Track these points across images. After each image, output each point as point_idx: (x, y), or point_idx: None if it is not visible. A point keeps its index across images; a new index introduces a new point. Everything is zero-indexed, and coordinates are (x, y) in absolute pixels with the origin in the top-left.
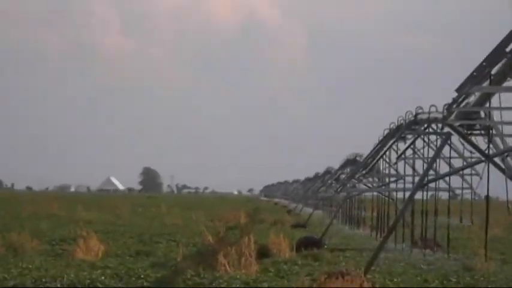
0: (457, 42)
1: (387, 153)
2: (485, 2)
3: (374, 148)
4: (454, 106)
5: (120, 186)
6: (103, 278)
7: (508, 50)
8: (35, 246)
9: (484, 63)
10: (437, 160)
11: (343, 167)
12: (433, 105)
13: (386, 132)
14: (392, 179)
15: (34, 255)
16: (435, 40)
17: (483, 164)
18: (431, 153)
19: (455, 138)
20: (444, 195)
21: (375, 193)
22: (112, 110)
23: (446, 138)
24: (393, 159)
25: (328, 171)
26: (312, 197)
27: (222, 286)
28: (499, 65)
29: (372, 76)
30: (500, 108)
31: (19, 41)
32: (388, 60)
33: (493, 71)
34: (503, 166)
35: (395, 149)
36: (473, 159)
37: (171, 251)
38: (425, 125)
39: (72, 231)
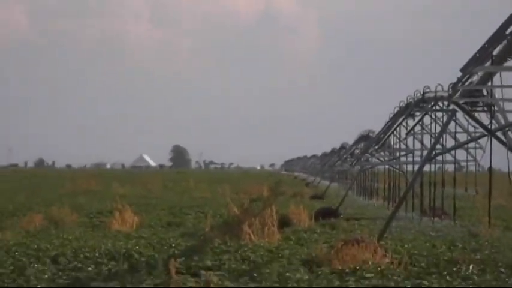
0: (462, 25)
1: (397, 129)
2: None
3: (385, 125)
4: (459, 85)
5: (152, 163)
6: (137, 247)
7: (508, 32)
8: (74, 219)
9: (486, 45)
10: (444, 135)
11: (357, 142)
12: (439, 85)
13: (396, 110)
14: (402, 153)
15: (74, 227)
16: (442, 24)
17: (486, 138)
18: (438, 128)
19: (460, 115)
20: (450, 168)
21: (387, 166)
22: (145, 94)
23: (452, 115)
24: (403, 135)
25: (343, 147)
26: (328, 171)
27: (247, 253)
28: (500, 46)
29: (383, 59)
30: (501, 87)
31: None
32: (399, 43)
33: (495, 52)
34: (504, 140)
35: (405, 125)
36: (477, 134)
37: (200, 222)
38: (433, 103)
39: (108, 205)
